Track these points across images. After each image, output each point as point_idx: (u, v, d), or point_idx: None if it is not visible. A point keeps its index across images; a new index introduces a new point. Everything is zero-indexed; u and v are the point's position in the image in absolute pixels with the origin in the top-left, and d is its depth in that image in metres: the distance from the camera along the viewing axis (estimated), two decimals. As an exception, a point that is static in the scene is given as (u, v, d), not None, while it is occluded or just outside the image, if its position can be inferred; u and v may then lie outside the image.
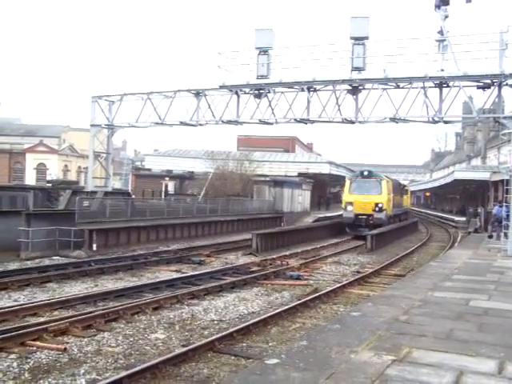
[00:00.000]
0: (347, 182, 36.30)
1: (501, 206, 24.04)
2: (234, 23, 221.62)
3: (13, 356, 9.17)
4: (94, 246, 23.47)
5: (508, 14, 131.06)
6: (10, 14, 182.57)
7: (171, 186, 52.55)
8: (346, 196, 35.60)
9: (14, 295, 14.40)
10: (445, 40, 21.24)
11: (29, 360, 9.02)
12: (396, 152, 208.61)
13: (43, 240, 22.51)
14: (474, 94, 24.60)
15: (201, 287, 15.59)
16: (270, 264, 21.64)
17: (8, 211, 25.37)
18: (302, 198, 52.59)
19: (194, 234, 31.90)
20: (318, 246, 28.72)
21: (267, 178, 48.80)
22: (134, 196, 39.70)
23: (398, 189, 44.35)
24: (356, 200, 34.31)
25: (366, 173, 35.82)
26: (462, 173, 51.17)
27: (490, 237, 27.71)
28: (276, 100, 24.68)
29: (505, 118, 21.09)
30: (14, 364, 8.80)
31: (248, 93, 25.29)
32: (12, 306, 12.54)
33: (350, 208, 34.47)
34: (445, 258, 19.38)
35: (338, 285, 16.76)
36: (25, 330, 10.19)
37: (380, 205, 33.78)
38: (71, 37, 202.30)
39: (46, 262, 20.92)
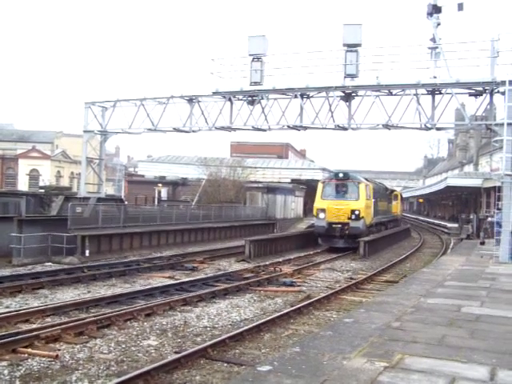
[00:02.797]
0: (319, 186, 31.51)
1: None
2: (228, 30, 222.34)
3: (4, 363, 9.11)
4: (87, 252, 23.40)
5: (499, 22, 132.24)
6: (3, 20, 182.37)
7: (164, 192, 52.60)
8: (318, 202, 30.81)
9: (5, 302, 14.32)
10: (437, 47, 21.38)
11: (20, 367, 8.97)
12: (389, 158, 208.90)
13: (35, 246, 22.44)
14: (467, 101, 24.92)
15: (194, 294, 15.55)
16: (263, 270, 21.62)
17: (0, 217, 25.26)
18: (295, 205, 52.72)
19: (187, 240, 31.87)
20: (311, 253, 28.72)
21: (260, 185, 48.93)
22: (126, 202, 39.63)
23: (384, 194, 40.73)
24: (329, 206, 29.83)
25: (341, 175, 31.10)
26: (454, 179, 51.38)
27: (483, 243, 27.81)
28: (269, 106, 24.74)
29: (496, 125, 21.20)
30: (5, 371, 8.74)
31: (241, 99, 25.33)
32: (3, 313, 12.45)
33: (322, 216, 29.97)
34: (437, 265, 19.42)
35: (331, 291, 16.75)
36: (16, 337, 10.13)
37: (356, 212, 29.31)
38: (64, 42, 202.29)
39: (39, 268, 20.84)
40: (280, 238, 31.15)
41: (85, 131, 29.10)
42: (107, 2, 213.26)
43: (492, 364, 6.47)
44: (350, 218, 29.32)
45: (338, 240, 29.85)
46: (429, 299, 10.98)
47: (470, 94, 22.00)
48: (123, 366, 9.23)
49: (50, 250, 22.94)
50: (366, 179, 33.42)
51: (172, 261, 23.83)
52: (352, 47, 22.58)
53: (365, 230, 29.99)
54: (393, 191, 48.26)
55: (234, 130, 26.51)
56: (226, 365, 9.41)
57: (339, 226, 29.50)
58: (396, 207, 47.34)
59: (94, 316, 12.24)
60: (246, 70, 24.27)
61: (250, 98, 24.91)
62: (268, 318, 12.59)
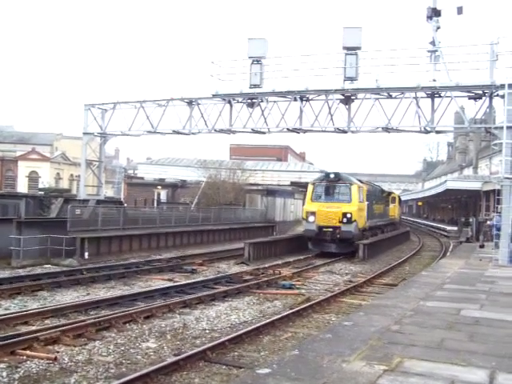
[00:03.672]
0: (309, 187, 29.75)
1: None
2: (228, 32, 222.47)
3: (2, 365, 9.08)
4: (86, 255, 23.38)
5: (499, 26, 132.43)
6: (3, 22, 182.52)
7: (163, 194, 52.60)
8: (308, 204, 29.23)
9: (4, 304, 14.30)
10: (437, 51, 21.45)
11: (19, 369, 8.94)
12: (388, 161, 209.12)
13: (35, 248, 22.40)
14: (466, 105, 24.85)
15: (193, 296, 15.53)
16: (263, 273, 21.59)
17: (-1, 219, 25.26)
18: (294, 207, 52.68)
19: (187, 242, 31.86)
20: (311, 255, 28.64)
21: (260, 187, 48.93)
22: (126, 204, 39.67)
23: (380, 196, 39.12)
24: (320, 209, 28.16)
25: (332, 176, 29.29)
26: (453, 182, 51.37)
27: (482, 246, 27.82)
28: (269, 109, 24.80)
29: (496, 128, 21.25)
30: (4, 373, 8.72)
31: (241, 102, 25.40)
32: (3, 315, 12.44)
33: (311, 219, 28.25)
34: (436, 268, 19.42)
35: (330, 294, 16.74)
36: (15, 339, 10.11)
37: (348, 215, 27.61)
38: (64, 45, 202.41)
39: (38, 270, 20.81)
40: (279, 241, 31.09)
41: (84, 133, 29.15)
42: (107, 4, 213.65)
43: (491, 367, 6.47)
44: (341, 222, 27.71)
45: (329, 245, 28.37)
46: (428, 302, 10.98)
47: (470, 98, 22.06)
48: (122, 369, 9.21)
49: (50, 251, 22.92)
50: (360, 180, 32.16)
51: (171, 263, 23.80)
52: (352, 50, 22.67)
53: (357, 234, 28.54)
54: (390, 193, 46.96)
55: (234, 132, 26.57)
56: (225, 367, 9.40)
57: (330, 229, 27.88)
58: (393, 210, 46.20)
59: (93, 318, 12.22)
60: (246, 73, 24.37)
61: (249, 101, 24.97)
62: (267, 321, 12.58)
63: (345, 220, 27.68)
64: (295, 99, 24.15)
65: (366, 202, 30.64)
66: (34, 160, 68.82)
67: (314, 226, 28.22)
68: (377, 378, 5.88)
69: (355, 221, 27.89)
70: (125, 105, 28.09)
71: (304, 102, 24.25)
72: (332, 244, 28.29)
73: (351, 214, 27.75)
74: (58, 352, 9.95)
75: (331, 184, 29.18)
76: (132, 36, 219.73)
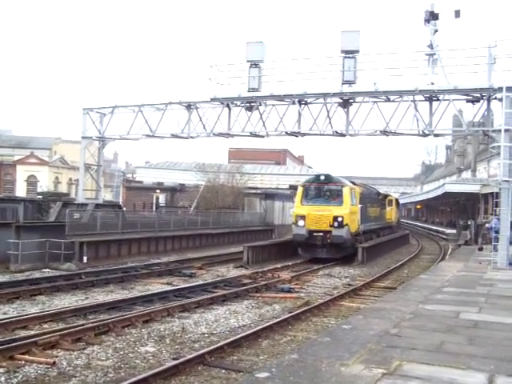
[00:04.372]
0: (299, 189, 28.46)
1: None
2: (226, 36, 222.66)
3: (1, 370, 9.07)
4: (85, 259, 23.37)
5: (496, 29, 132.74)
6: (2, 25, 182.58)
7: (162, 198, 52.64)
8: (297, 207, 28.08)
9: (3, 308, 14.28)
10: (434, 54, 21.47)
11: (17, 374, 8.93)
12: (387, 165, 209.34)
13: (33, 252, 22.39)
14: (464, 108, 25.00)
15: (192, 300, 15.52)
16: (261, 277, 21.60)
17: (-2, 223, 25.21)
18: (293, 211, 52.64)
19: (185, 246, 31.87)
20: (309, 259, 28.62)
21: (258, 191, 48.94)
22: (124, 208, 39.63)
23: (375, 199, 38.05)
24: (309, 213, 27.06)
25: (322, 177, 28.24)
26: (452, 185, 51.34)
27: (481, 249, 27.83)
28: (267, 113, 24.79)
29: (494, 131, 21.27)
30: (2, 378, 8.70)
31: (239, 105, 25.39)
32: (1, 319, 12.42)
33: (301, 223, 27.06)
34: (435, 271, 19.42)
35: (329, 297, 16.73)
36: (14, 344, 10.09)
37: (339, 219, 26.40)
38: (63, 49, 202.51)
39: (36, 274, 20.80)
40: (278, 244, 31.06)
41: (83, 137, 29.13)
42: (106, 7, 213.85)
43: (490, 370, 6.46)
44: (332, 226, 26.56)
45: (320, 250, 27.20)
46: (427, 305, 10.97)
47: (468, 101, 22.08)
48: (121, 373, 9.20)
49: (48, 256, 22.89)
50: (353, 182, 31.14)
51: (170, 267, 23.80)
52: (350, 53, 22.66)
53: (349, 239, 27.25)
54: (387, 196, 45.96)
55: (232, 136, 26.56)
56: (223, 371, 9.39)
57: (320, 234, 26.70)
58: (390, 213, 45.26)
59: (92, 322, 12.21)
60: (244, 77, 24.34)
61: (248, 105, 24.96)
62: (266, 325, 12.57)
63: (336, 224, 26.55)
64: (293, 103, 24.15)
65: (360, 205, 29.63)
66: (33, 164, 68.78)
67: (303, 231, 27.12)
68: (376, 382, 5.87)
69: (347, 225, 26.79)
70: (123, 109, 28.08)
71: (302, 106, 24.24)
72: (323, 249, 27.20)
73: (342, 217, 26.66)
74: (56, 356, 9.94)
75: (322, 186, 28.31)
76: (130, 40, 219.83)
